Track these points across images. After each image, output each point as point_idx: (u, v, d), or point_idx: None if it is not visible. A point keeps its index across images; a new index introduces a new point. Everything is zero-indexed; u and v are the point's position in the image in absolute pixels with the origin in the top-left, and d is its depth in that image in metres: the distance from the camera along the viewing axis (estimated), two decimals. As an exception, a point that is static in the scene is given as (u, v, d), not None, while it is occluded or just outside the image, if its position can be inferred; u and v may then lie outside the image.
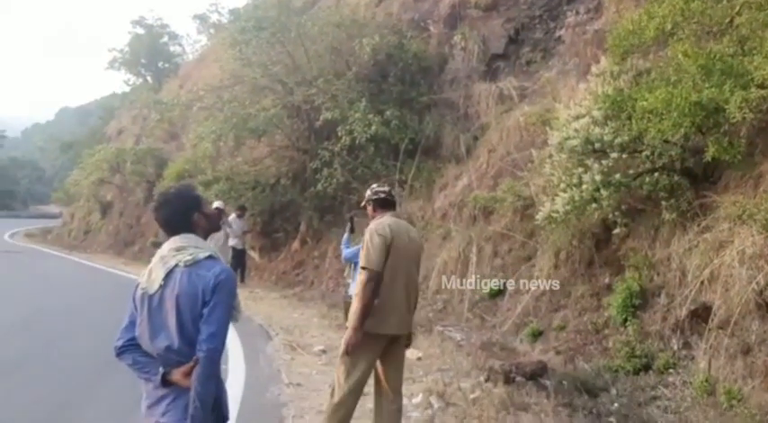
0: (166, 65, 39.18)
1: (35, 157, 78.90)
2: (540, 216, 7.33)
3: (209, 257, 2.68)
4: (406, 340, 4.57)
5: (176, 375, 2.60)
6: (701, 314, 5.78)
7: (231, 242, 12.60)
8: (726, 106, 5.21)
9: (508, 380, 5.35)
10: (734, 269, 5.36)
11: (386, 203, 4.54)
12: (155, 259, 2.70)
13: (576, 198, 6.72)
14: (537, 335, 7.49)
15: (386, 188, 4.64)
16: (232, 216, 12.69)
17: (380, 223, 4.34)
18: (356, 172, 12.23)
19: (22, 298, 12.37)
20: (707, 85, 5.46)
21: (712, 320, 5.54)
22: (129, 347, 2.72)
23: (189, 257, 2.64)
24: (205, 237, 2.83)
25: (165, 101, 14.76)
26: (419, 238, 4.68)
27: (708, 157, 5.65)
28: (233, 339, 8.19)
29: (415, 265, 4.54)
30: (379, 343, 4.29)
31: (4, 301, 11.76)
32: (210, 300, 2.58)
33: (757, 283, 5.12)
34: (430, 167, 12.19)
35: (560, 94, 9.80)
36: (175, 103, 14.33)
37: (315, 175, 12.23)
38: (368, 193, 4.66)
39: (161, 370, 2.62)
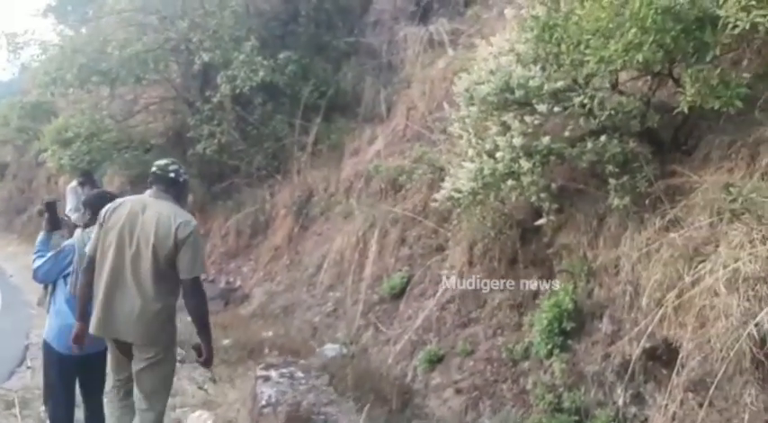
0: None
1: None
2: (439, 195, 5.15)
3: None
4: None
5: None
6: (660, 356, 3.77)
7: (74, 217, 10.05)
8: (719, 12, 2.94)
9: None
10: (717, 295, 3.24)
11: (154, 179, 3.85)
12: None
13: (487, 171, 4.53)
14: (436, 361, 5.42)
15: (162, 163, 3.93)
16: (72, 184, 10.05)
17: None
18: (248, 131, 9.84)
19: None
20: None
21: (679, 370, 3.47)
22: None
23: None
24: None
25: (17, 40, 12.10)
26: (166, 218, 3.58)
27: (682, 106, 3.37)
28: None
29: (138, 253, 3.56)
30: (109, 343, 3.75)
31: None
32: None
33: (757, 324, 2.99)
34: (342, 128, 9.88)
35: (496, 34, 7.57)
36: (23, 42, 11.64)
37: (195, 132, 9.81)
38: None
39: None
